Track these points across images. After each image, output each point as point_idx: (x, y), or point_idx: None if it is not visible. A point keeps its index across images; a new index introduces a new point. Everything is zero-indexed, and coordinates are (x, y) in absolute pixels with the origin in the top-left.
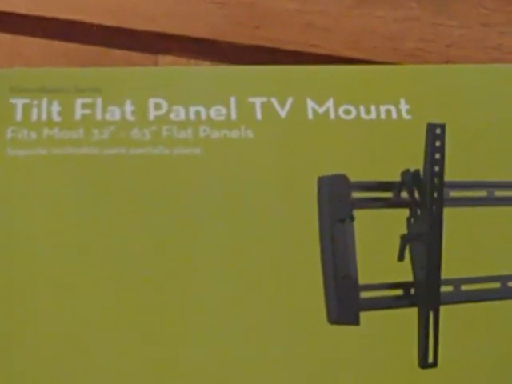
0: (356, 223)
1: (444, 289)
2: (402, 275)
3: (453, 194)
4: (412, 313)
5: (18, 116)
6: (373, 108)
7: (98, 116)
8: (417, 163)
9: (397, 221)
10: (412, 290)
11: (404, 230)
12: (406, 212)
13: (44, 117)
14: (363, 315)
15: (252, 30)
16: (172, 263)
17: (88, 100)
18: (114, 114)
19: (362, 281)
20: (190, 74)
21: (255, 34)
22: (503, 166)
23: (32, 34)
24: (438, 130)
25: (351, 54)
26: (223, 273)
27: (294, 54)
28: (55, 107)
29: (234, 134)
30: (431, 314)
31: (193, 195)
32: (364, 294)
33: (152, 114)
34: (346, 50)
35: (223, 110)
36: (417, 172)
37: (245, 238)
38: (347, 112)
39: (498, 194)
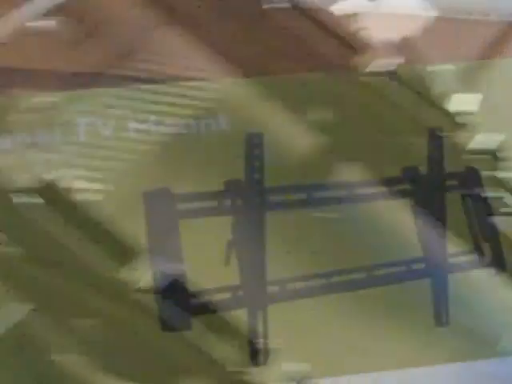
0: (183, 233)
1: (270, 289)
2: (230, 279)
3: (273, 198)
4: (243, 313)
5: None
6: (193, 122)
7: None
8: (239, 172)
9: (222, 228)
10: (240, 293)
11: (229, 236)
12: (230, 219)
13: None
14: (195, 320)
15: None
16: None
17: None
18: None
19: (192, 288)
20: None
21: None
22: (319, 168)
23: None
24: (256, 140)
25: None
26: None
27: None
28: None
29: None
30: (260, 314)
31: None
32: (194, 300)
33: None
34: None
35: None
36: (238, 180)
37: (76, 254)
38: (168, 127)
39: (317, 195)
